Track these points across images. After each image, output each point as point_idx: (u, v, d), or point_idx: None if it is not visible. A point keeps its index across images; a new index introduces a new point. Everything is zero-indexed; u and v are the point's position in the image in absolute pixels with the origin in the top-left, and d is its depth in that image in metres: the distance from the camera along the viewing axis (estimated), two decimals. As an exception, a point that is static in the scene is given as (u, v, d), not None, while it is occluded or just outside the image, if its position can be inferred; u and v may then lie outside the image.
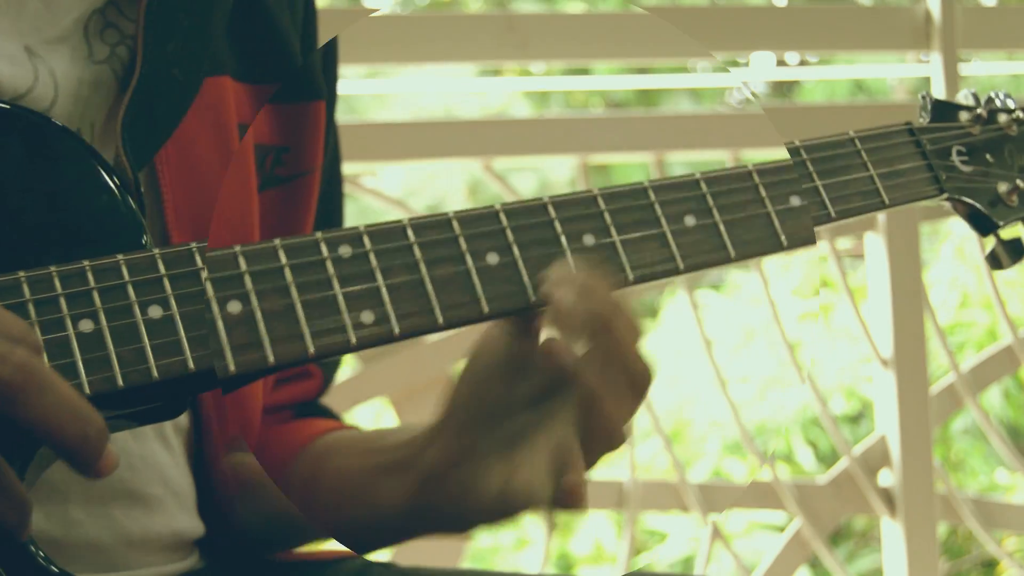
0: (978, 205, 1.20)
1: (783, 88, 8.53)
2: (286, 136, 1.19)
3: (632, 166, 7.28)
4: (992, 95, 1.25)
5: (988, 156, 1.21)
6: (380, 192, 2.56)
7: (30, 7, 1.04)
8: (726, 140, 2.47)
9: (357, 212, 7.15)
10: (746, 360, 5.16)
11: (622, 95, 7.74)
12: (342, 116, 1.34)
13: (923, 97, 1.24)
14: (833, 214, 1.12)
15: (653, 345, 5.55)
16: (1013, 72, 6.56)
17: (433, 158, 2.42)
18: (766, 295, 2.59)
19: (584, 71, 6.73)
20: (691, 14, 2.54)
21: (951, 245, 5.13)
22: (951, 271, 5.12)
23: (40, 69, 1.03)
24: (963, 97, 1.25)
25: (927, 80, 2.63)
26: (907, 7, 2.58)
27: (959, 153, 1.20)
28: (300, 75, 1.21)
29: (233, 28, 1.15)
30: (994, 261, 1.22)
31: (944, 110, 1.23)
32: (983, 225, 1.21)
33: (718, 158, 2.59)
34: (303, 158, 1.20)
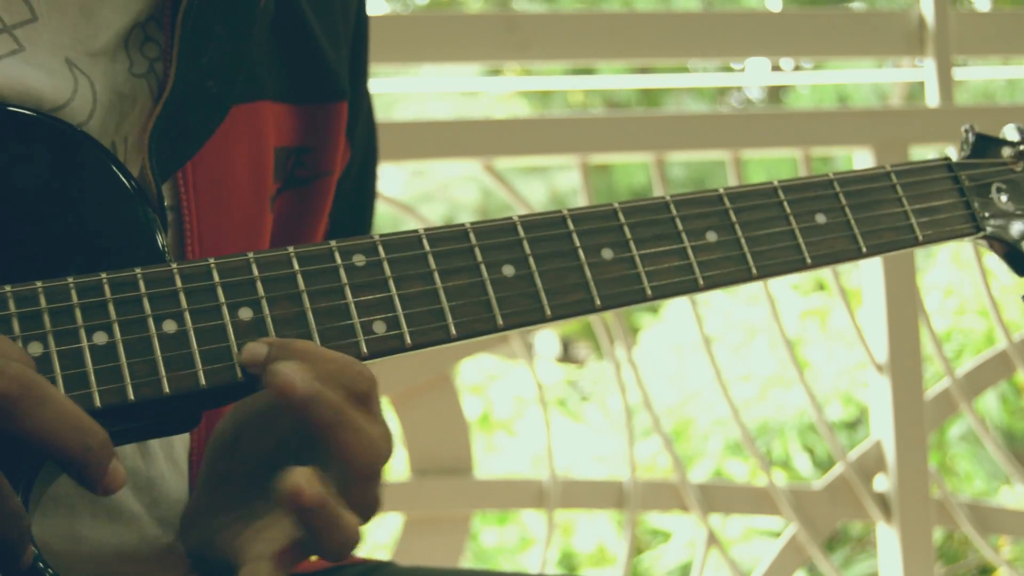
0: (1018, 245, 1.16)
1: (778, 93, 8.53)
2: (308, 137, 1.17)
3: (632, 166, 7.28)
4: None
5: None
6: (381, 193, 2.56)
7: (72, 20, 1.03)
8: (726, 140, 2.47)
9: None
10: (747, 358, 5.16)
11: (622, 95, 7.73)
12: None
13: (965, 131, 1.19)
14: (864, 249, 1.09)
15: (654, 343, 5.55)
16: (1007, 77, 6.56)
17: (434, 158, 2.41)
18: (766, 292, 2.59)
19: (585, 71, 6.72)
20: (686, 20, 2.54)
21: (947, 250, 5.13)
22: (947, 276, 5.13)
23: (80, 81, 1.02)
24: (1007, 132, 1.20)
25: (921, 85, 2.64)
26: (901, 13, 2.59)
27: (999, 190, 1.16)
28: (326, 75, 1.19)
29: (277, 49, 1.14)
30: None
31: (986, 145, 1.18)
32: (1021, 265, 1.16)
33: (718, 158, 2.59)
34: (323, 160, 1.19)
